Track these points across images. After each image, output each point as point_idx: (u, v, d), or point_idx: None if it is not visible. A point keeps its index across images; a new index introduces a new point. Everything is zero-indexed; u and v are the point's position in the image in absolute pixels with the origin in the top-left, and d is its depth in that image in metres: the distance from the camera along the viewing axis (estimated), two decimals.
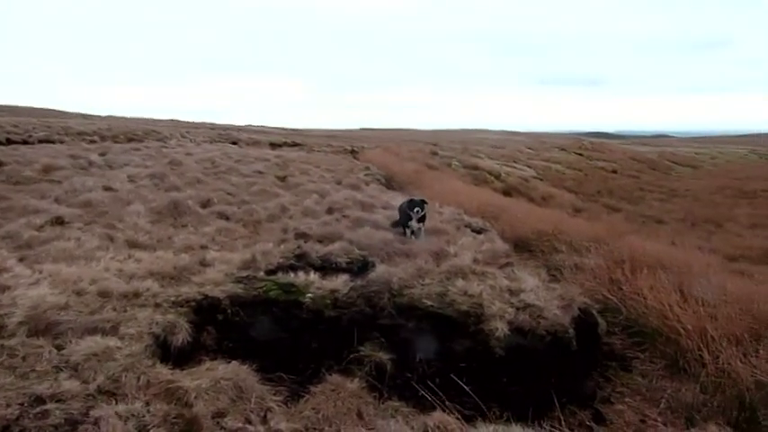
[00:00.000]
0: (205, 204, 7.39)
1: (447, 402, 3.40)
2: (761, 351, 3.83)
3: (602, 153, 45.02)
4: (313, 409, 3.16)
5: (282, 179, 10.58)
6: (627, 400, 3.98)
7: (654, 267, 5.68)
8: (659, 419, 3.71)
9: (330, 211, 6.83)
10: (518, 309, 3.91)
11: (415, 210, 5.72)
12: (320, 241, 5.21)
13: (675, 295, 4.92)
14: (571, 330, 3.91)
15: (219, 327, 3.79)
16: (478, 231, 6.63)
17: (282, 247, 4.96)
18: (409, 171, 17.04)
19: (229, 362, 3.32)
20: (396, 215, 6.31)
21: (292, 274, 4.29)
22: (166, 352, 3.43)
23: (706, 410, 3.61)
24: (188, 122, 39.68)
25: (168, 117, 42.18)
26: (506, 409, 3.54)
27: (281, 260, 4.65)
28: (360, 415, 3.18)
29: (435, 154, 29.73)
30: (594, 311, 4.47)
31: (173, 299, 3.85)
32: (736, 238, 20.43)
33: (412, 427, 2.99)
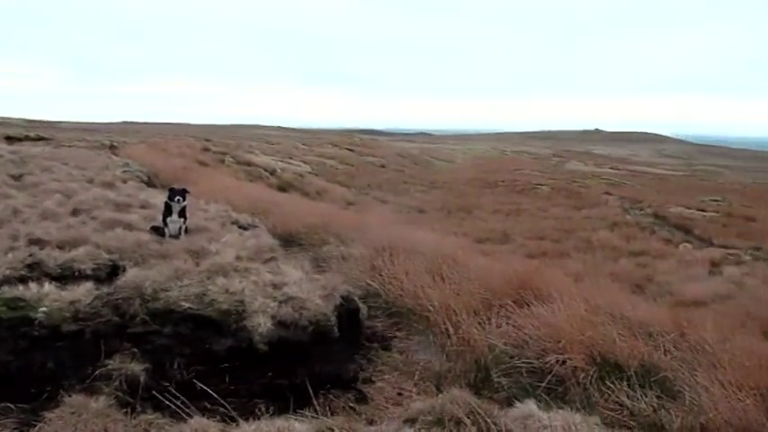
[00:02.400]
0: None
1: (209, 406, 3.29)
2: (492, 319, 4.41)
3: (372, 149, 47.98)
4: None
5: (18, 178, 9.12)
6: (386, 377, 4.26)
7: (411, 253, 6.20)
8: (414, 390, 4.04)
9: (75, 212, 6.05)
10: (281, 302, 3.90)
11: (176, 199, 5.36)
12: (60, 247, 4.57)
13: (427, 277, 5.43)
14: (333, 318, 4.03)
15: None
16: (246, 228, 6.52)
17: (11, 256, 4.24)
18: (177, 168, 16.11)
19: None
20: (155, 215, 5.86)
21: (21, 287, 3.69)
22: None
23: (451, 376, 4.02)
24: None
25: None
26: (273, 402, 3.53)
27: (7, 272, 3.97)
28: None
29: (207, 150, 28.68)
30: (356, 298, 4.67)
31: None
32: (482, 222, 23.54)
33: None
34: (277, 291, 4.06)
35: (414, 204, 27.18)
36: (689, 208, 30.49)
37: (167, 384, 3.37)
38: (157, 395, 3.17)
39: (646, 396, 3.37)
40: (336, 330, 4.03)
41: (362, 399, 3.89)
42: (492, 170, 44.26)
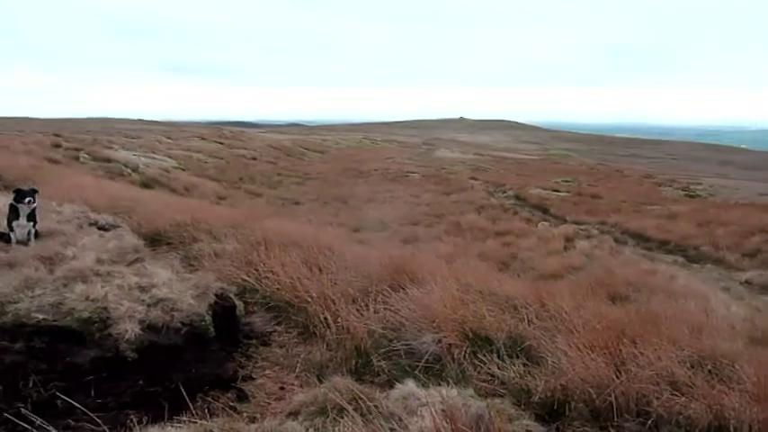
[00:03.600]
0: None
1: (73, 423, 3.05)
2: (370, 305, 4.50)
3: (242, 141, 46.62)
4: None
5: None
6: (267, 372, 4.19)
7: (287, 245, 6.12)
8: (296, 383, 4.01)
9: None
10: (150, 305, 3.70)
11: (26, 200, 4.86)
12: None
13: (304, 268, 5.40)
14: (208, 318, 3.89)
15: None
16: (107, 229, 6.06)
17: None
18: (23, 166, 14.59)
19: None
20: None
21: None
22: None
23: (332, 365, 4.05)
24: None
25: None
26: (147, 411, 3.34)
27: None
28: None
29: (58, 146, 26.30)
30: (232, 295, 4.54)
31: None
32: (358, 211, 23.83)
33: None
34: (145, 293, 3.85)
35: (288, 196, 26.92)
36: (545, 189, 33.20)
37: (22, 405, 3.07)
38: (11, 418, 2.88)
39: (514, 365, 3.63)
40: (212, 330, 3.90)
41: (243, 397, 3.80)
42: (364, 159, 44.96)
